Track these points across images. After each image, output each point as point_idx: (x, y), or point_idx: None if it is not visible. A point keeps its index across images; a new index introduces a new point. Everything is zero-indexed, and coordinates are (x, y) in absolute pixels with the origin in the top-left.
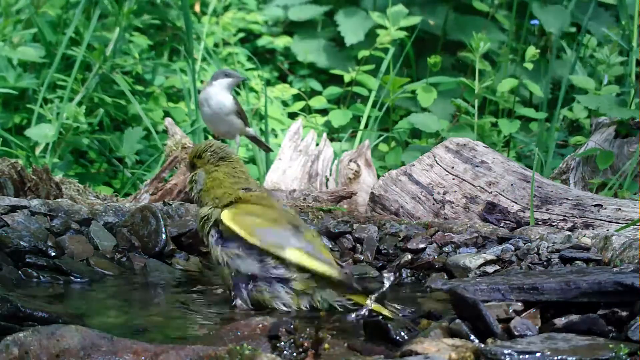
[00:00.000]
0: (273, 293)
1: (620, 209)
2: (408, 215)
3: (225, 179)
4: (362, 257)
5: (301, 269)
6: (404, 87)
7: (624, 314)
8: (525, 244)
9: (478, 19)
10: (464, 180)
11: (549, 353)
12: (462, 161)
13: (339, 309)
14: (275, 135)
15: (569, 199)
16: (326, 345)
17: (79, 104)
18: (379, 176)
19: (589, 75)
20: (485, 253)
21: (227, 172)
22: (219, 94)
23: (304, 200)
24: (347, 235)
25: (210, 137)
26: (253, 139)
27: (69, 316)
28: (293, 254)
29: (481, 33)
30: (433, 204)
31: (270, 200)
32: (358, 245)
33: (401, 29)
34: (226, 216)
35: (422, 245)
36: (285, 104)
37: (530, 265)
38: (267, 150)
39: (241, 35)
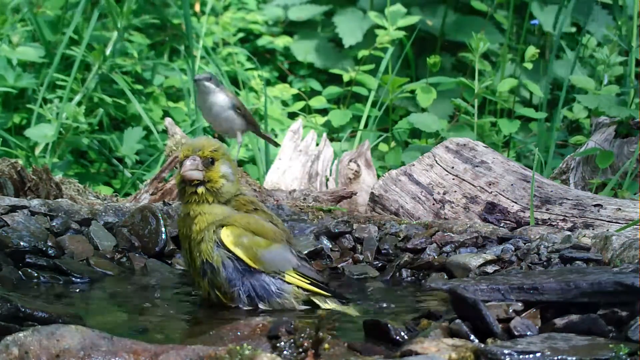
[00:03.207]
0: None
1: (620, 209)
2: (408, 215)
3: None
4: (362, 257)
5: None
6: (403, 87)
7: (624, 314)
8: (525, 244)
9: (478, 19)
10: (464, 180)
11: (549, 353)
12: (462, 161)
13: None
14: (275, 135)
15: (569, 199)
16: (326, 345)
17: (79, 103)
18: (379, 176)
19: (589, 76)
20: (485, 253)
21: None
22: (210, 94)
23: (304, 200)
24: (347, 235)
25: (210, 137)
26: (263, 136)
27: (69, 316)
28: (291, 279)
29: (480, 33)
30: (433, 204)
31: (257, 203)
32: (358, 245)
33: (400, 28)
34: (228, 240)
35: (422, 246)
36: (285, 104)
37: (530, 265)
38: (276, 145)
39: (241, 35)
